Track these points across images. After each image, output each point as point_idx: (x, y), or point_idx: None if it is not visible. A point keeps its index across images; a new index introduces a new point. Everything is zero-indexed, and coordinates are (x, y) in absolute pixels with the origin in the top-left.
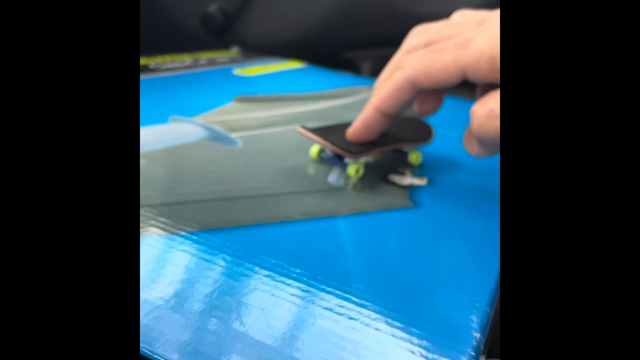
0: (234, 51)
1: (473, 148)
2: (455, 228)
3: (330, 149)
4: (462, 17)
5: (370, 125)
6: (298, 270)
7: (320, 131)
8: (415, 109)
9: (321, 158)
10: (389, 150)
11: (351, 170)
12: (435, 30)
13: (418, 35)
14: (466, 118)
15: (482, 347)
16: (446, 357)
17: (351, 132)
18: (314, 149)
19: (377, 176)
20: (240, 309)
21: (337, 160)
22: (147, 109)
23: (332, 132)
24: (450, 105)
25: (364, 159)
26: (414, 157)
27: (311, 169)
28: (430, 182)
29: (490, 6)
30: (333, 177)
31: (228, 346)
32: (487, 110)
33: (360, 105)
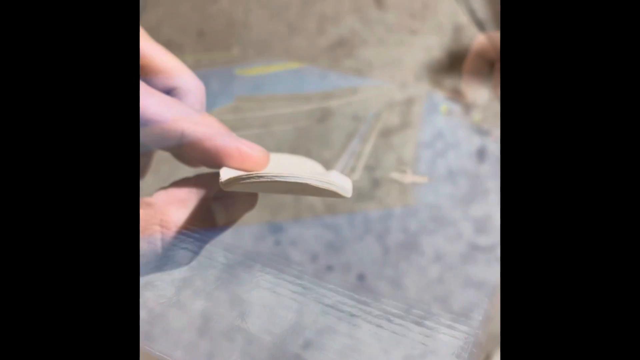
0: (235, 52)
1: None
2: (457, 227)
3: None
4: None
5: None
6: (300, 268)
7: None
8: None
9: (449, 111)
10: None
11: (476, 117)
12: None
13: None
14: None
15: (483, 346)
16: (447, 354)
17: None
18: (445, 106)
19: (379, 175)
20: (242, 306)
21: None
22: None
23: None
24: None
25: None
26: None
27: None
28: (431, 180)
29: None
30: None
31: (230, 343)
32: None
33: (362, 105)
